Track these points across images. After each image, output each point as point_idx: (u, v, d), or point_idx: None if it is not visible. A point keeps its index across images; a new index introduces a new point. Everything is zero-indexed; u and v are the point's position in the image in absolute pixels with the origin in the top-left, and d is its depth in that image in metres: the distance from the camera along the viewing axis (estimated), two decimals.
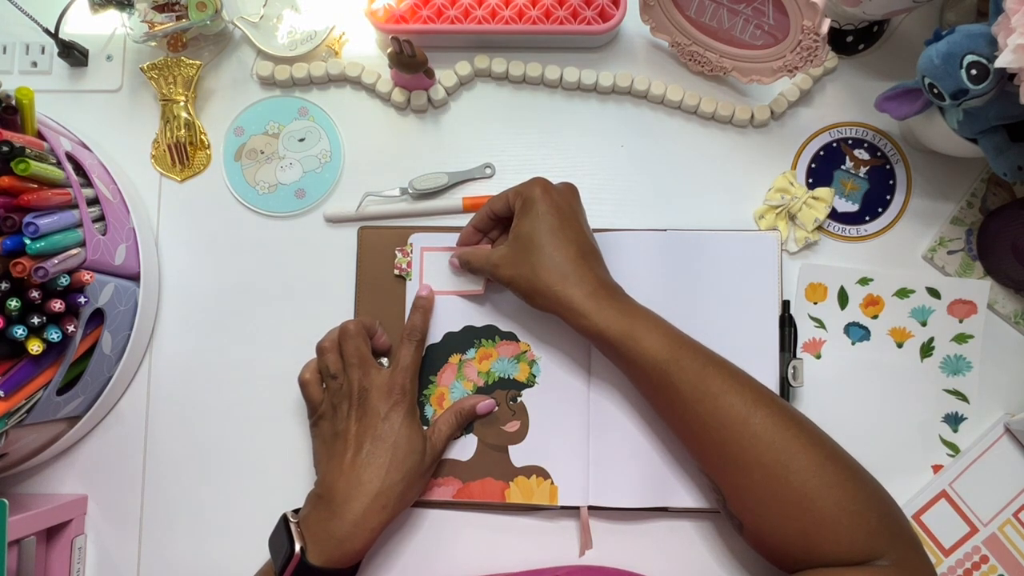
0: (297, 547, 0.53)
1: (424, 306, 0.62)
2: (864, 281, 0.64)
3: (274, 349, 0.65)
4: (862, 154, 0.67)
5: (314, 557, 0.54)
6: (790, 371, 0.61)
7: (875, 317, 0.64)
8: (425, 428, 0.60)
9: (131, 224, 0.63)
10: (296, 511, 0.57)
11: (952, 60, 0.53)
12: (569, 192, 0.60)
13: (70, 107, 0.69)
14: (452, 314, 0.64)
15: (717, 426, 0.53)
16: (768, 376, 0.60)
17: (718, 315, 0.62)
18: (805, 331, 0.64)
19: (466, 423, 0.62)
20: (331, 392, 0.59)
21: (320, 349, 0.60)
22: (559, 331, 0.62)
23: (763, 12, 0.59)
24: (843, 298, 0.64)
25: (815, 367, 0.64)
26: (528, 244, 0.57)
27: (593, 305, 0.55)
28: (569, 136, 0.68)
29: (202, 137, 0.68)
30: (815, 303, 0.65)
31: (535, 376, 0.63)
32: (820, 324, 0.64)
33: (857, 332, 0.64)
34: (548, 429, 0.62)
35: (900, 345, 0.64)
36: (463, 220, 0.66)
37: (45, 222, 0.52)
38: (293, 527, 0.55)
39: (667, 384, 0.54)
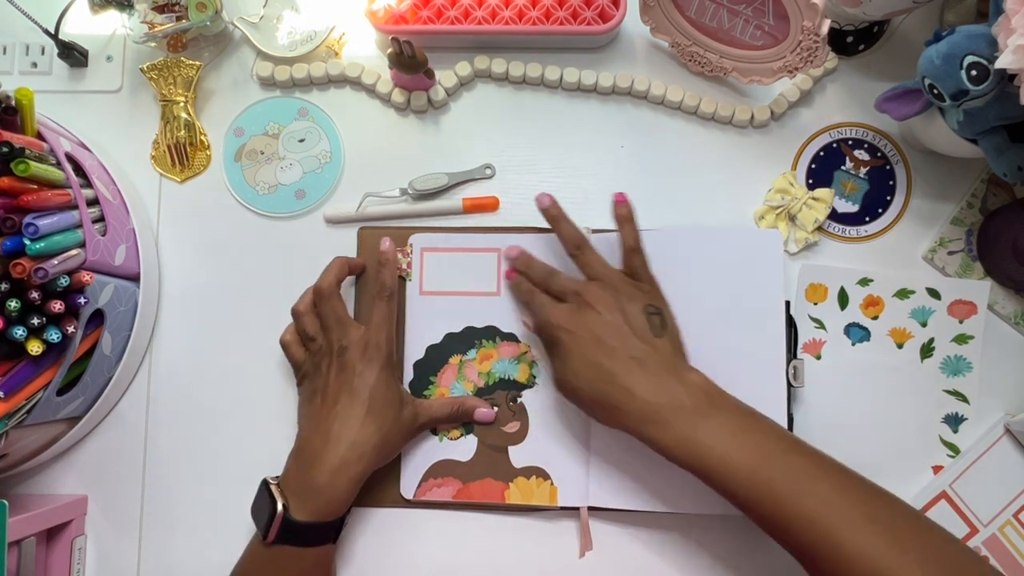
0: (279, 505, 0.54)
1: (390, 259, 0.62)
2: (864, 282, 0.64)
3: (274, 349, 0.65)
4: (862, 154, 0.67)
5: (297, 512, 0.54)
6: (791, 371, 0.60)
7: (875, 318, 0.64)
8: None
9: (131, 225, 0.63)
10: (276, 477, 0.58)
11: (952, 61, 0.53)
12: (604, 300, 0.56)
13: (70, 108, 0.69)
14: (452, 315, 0.64)
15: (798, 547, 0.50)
16: (776, 375, 0.60)
17: (723, 313, 0.61)
18: (805, 332, 0.64)
19: (462, 420, 0.62)
20: (312, 353, 0.61)
21: (296, 313, 0.61)
22: None
23: (763, 13, 0.59)
24: (843, 299, 0.64)
25: (815, 368, 0.64)
26: (566, 389, 0.57)
27: (652, 433, 0.53)
28: (569, 136, 0.68)
29: (202, 138, 0.68)
30: (815, 304, 0.65)
31: (535, 377, 0.63)
32: (820, 325, 0.64)
33: (857, 333, 0.64)
34: (548, 430, 0.62)
35: (900, 346, 0.64)
36: (463, 221, 0.66)
37: (45, 223, 0.52)
38: (274, 488, 0.56)
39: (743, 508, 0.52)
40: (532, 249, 0.64)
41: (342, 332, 0.59)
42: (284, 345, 0.62)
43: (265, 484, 0.57)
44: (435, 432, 0.62)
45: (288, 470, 0.57)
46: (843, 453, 0.63)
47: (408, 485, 0.62)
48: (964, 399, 0.63)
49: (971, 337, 0.63)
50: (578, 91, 0.69)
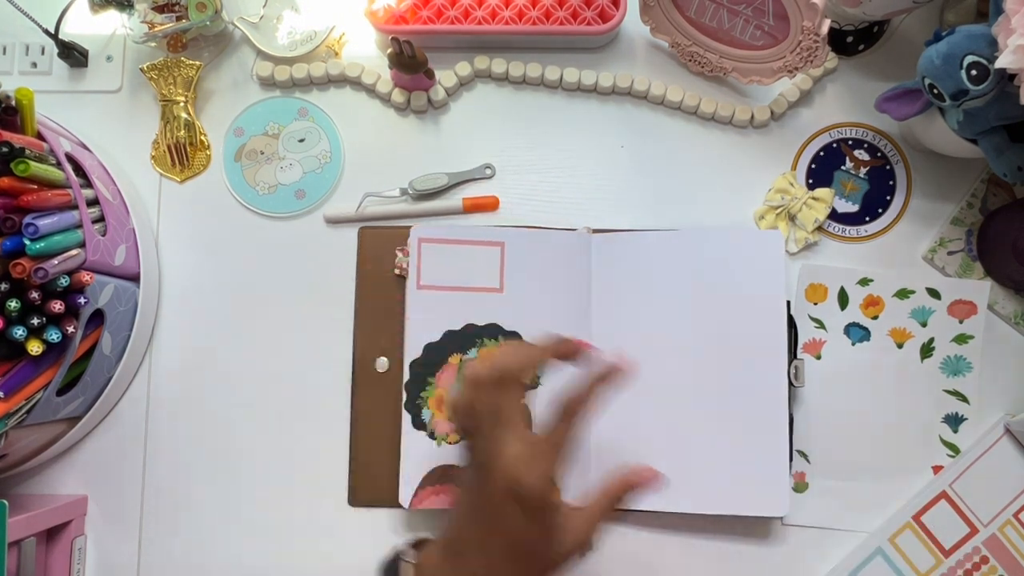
0: None
1: (604, 380, 0.47)
2: (864, 281, 0.64)
3: (274, 349, 0.65)
4: (862, 154, 0.67)
5: None
6: (791, 371, 0.60)
7: (875, 318, 0.64)
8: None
9: (131, 225, 0.63)
10: (416, 543, 0.49)
11: (952, 61, 0.53)
12: None
13: (70, 108, 0.68)
14: (453, 311, 0.62)
15: None
16: (777, 375, 0.60)
17: (725, 314, 0.61)
18: (805, 332, 0.64)
19: (618, 503, 0.47)
20: (464, 442, 0.48)
21: (469, 380, 0.46)
22: (565, 330, 0.62)
23: (763, 13, 0.59)
24: (843, 298, 0.64)
25: (815, 368, 0.64)
26: None
27: None
28: (569, 136, 0.68)
29: (202, 138, 0.68)
30: (815, 303, 0.65)
31: (539, 377, 0.62)
32: (820, 325, 0.64)
33: (857, 332, 0.64)
34: None
35: (900, 346, 0.64)
36: (463, 221, 0.66)
37: (45, 223, 0.52)
38: (407, 569, 0.47)
39: None
40: (532, 247, 0.63)
41: (493, 446, 0.45)
42: (451, 409, 0.49)
43: (396, 562, 0.48)
44: (432, 437, 0.61)
45: (432, 566, 0.47)
46: (843, 453, 0.63)
47: (405, 493, 0.60)
48: (964, 399, 0.63)
49: (971, 337, 0.63)
50: (578, 91, 0.69)
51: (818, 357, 0.64)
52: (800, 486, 0.62)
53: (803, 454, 0.63)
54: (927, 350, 0.64)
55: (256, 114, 0.69)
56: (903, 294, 0.64)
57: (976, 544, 0.61)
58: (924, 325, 0.64)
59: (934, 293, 0.64)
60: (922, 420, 0.63)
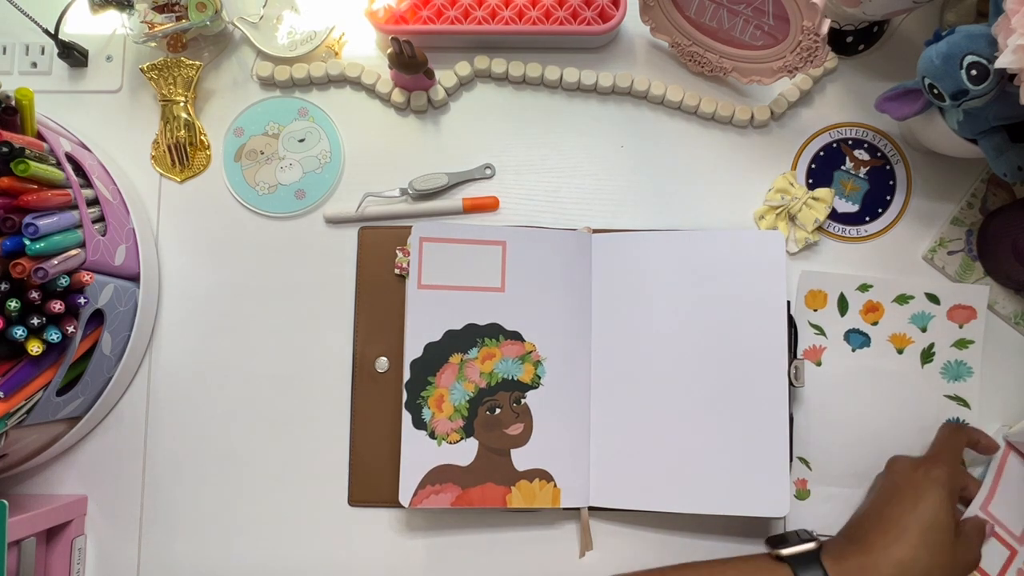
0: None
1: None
2: (864, 287, 0.64)
3: (274, 349, 0.65)
4: (862, 154, 0.67)
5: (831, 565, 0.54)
6: (792, 371, 0.60)
7: (875, 324, 0.64)
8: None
9: (131, 225, 0.63)
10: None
11: (952, 61, 0.53)
12: None
13: (70, 107, 0.69)
14: (453, 310, 0.62)
15: None
16: (777, 375, 0.60)
17: (726, 314, 0.61)
18: (805, 338, 0.64)
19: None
20: None
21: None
22: (566, 330, 0.62)
23: (763, 13, 0.59)
24: (843, 305, 0.64)
25: (816, 374, 0.63)
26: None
27: None
28: (569, 136, 0.68)
29: (202, 138, 0.68)
30: (815, 310, 0.64)
31: (540, 377, 0.62)
32: (820, 331, 0.64)
33: (857, 339, 0.64)
34: (553, 431, 0.61)
35: (900, 351, 0.64)
36: (463, 221, 0.66)
37: (45, 223, 0.52)
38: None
39: None
40: (533, 246, 0.63)
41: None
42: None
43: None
44: (433, 436, 0.60)
45: (838, 540, 0.58)
46: (845, 460, 0.63)
47: (405, 492, 0.59)
48: (965, 404, 0.63)
49: (971, 342, 0.63)
50: (578, 91, 0.69)
51: (818, 364, 0.64)
52: (802, 493, 0.62)
53: (804, 461, 0.63)
54: (927, 355, 0.63)
55: (256, 114, 0.69)
56: (902, 299, 0.64)
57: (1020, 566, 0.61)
58: (924, 330, 0.64)
59: (933, 298, 0.64)
60: (924, 426, 0.63)
